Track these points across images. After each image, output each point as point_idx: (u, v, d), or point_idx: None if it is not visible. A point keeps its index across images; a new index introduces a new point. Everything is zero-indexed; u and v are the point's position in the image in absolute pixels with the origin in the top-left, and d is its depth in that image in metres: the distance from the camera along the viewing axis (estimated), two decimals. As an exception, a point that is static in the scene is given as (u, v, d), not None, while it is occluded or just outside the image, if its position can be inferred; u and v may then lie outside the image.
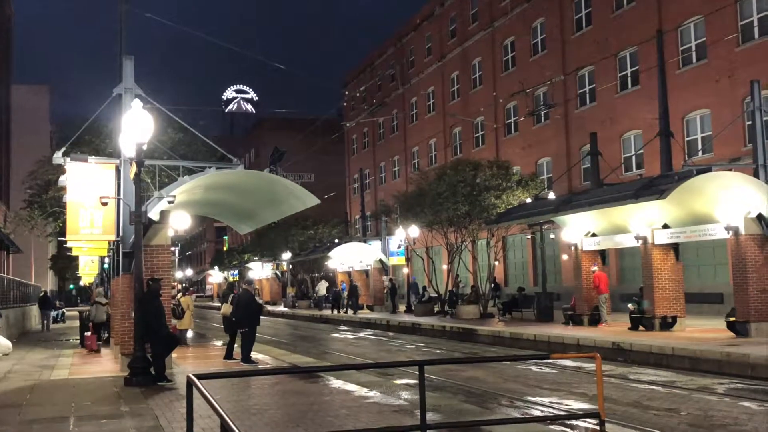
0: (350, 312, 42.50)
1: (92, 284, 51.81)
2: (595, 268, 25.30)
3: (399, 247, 46.40)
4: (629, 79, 35.66)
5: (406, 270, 46.12)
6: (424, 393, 7.11)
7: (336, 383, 13.91)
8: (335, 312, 41.94)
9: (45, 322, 37.82)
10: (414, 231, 37.43)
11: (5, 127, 51.24)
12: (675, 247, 22.85)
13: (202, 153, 28.80)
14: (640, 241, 23.04)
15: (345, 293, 44.69)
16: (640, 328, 22.59)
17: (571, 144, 39.44)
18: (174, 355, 16.91)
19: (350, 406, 11.35)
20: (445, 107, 53.44)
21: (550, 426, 10.22)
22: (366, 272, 45.96)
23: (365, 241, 49.87)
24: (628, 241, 24.09)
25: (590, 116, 37.82)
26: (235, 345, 18.86)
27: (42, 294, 41.88)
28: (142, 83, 17.28)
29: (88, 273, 44.72)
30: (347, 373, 14.99)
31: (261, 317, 18.78)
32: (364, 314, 40.38)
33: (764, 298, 19.99)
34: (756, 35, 29.17)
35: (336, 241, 52.93)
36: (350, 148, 73.39)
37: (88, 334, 23.51)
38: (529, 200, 30.62)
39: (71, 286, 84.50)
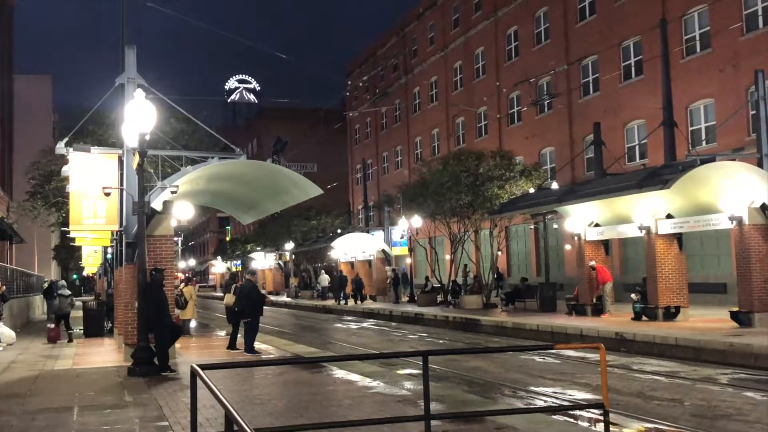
0: (337, 302, 43.42)
1: (96, 274, 51.90)
2: (593, 262, 25.31)
3: (402, 238, 46.41)
4: (633, 68, 35.54)
5: (409, 260, 46.18)
6: (428, 383, 7.11)
7: (339, 373, 13.92)
8: (357, 303, 42.14)
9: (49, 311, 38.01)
10: (417, 221, 37.43)
11: (8, 117, 51.22)
12: (678, 237, 22.82)
13: (205, 143, 28.76)
14: (644, 231, 23.01)
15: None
16: (644, 318, 22.59)
17: (575, 134, 39.35)
18: (177, 345, 16.95)
19: (354, 396, 11.36)
20: (448, 97, 53.32)
21: (554, 416, 10.22)
22: (369, 262, 45.99)
23: (368, 232, 49.87)
24: (631, 231, 24.06)
25: (594, 106, 37.71)
26: (239, 335, 18.89)
27: (47, 284, 41.98)
28: (144, 73, 17.26)
29: (91, 263, 44.80)
30: (351, 363, 15.00)
31: (264, 307, 18.80)
32: (367, 304, 40.44)
33: (768, 288, 19.97)
34: (761, 24, 29.03)
35: (339, 231, 52.91)
36: (353, 138, 73.29)
37: (52, 326, 23.61)
38: (532, 190, 30.58)
39: (74, 276, 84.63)
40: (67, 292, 25.16)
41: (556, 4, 41.17)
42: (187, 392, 10.92)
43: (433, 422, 7.59)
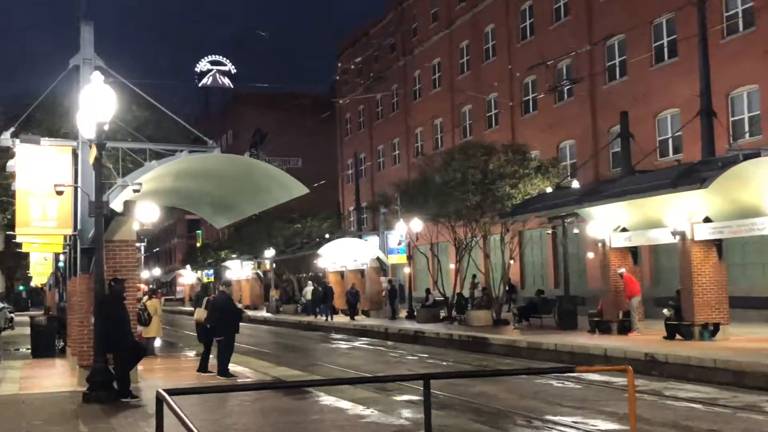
0: (322, 318, 43.64)
1: (46, 285, 51.83)
2: (623, 269, 25.33)
3: (399, 244, 46.42)
4: (666, 49, 35.60)
5: (407, 270, 46.19)
6: (430, 411, 7.12)
7: (327, 400, 13.92)
8: (352, 318, 41.85)
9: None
10: (417, 225, 37.41)
11: (-56, 104, 51.06)
12: (718, 244, 22.86)
13: (173, 134, 28.72)
14: (678, 237, 23.03)
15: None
16: (677, 337, 22.63)
17: (599, 125, 39.41)
18: (140, 367, 16.93)
19: (343, 425, 11.37)
20: (453, 82, 53.37)
21: (574, 449, 10.24)
22: (361, 272, 45.97)
23: (360, 237, 49.85)
24: (663, 237, 24.11)
25: (620, 92, 37.77)
26: (211, 356, 18.87)
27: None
28: (103, 53, 17.25)
29: (40, 272, 44.73)
30: (340, 389, 15.01)
31: (240, 324, 18.79)
32: (359, 320, 40.43)
33: (820, 302, 20.03)
34: (812, -1, 29.12)
35: (327, 236, 52.88)
36: (343, 129, 73.30)
37: None
38: (549, 189, 30.62)
39: (21, 287, 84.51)
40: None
41: (578, -24, 41.24)
42: (150, 421, 10.89)
43: (435, 456, 7.59)
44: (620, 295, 25.46)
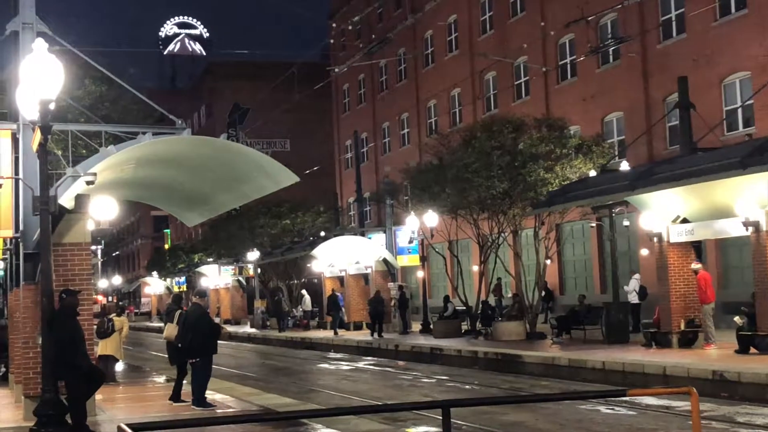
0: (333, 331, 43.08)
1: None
2: (699, 266, 25.21)
3: (411, 242, 46.39)
4: (732, 0, 35.48)
5: (421, 273, 46.20)
6: (451, 446, 7.11)
7: (326, 433, 13.93)
8: (375, 335, 40.62)
9: None
10: (431, 219, 37.39)
11: None
12: (800, 237, 22.79)
13: (133, 113, 28.79)
14: (750, 229, 22.95)
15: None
16: (752, 350, 22.57)
17: (652, 93, 39.31)
18: (98, 396, 16.96)
19: (347, 465, 11.38)
20: (473, 44, 53.27)
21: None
22: (365, 277, 45.94)
23: (363, 234, 49.86)
24: (733, 229, 24.01)
25: (678, 53, 37.66)
26: (184, 381, 18.90)
27: None
28: (48, 17, 17.25)
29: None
30: (342, 419, 15.02)
31: (219, 342, 18.81)
32: (363, 336, 40.37)
33: None
34: None
35: (322, 234, 52.87)
36: (340, 104, 73.25)
37: None
38: (593, 173, 30.58)
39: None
40: None
41: None
42: (113, 463, 10.91)
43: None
44: (683, 300, 25.35)
